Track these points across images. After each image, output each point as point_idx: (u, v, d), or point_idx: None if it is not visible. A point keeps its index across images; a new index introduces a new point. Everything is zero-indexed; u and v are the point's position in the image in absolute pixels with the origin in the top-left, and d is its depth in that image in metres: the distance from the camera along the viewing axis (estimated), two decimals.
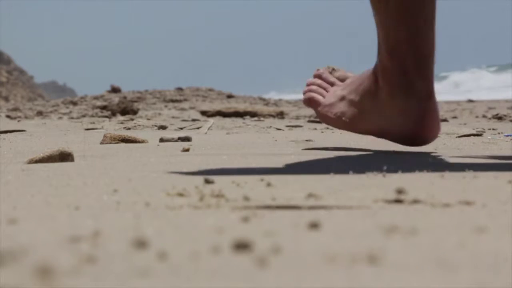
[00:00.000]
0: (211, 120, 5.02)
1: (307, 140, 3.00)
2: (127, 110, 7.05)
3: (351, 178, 1.66)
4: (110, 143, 3.05)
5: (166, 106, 10.15)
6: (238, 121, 5.86)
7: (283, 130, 3.99)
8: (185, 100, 11.56)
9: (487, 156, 2.29)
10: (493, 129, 4.25)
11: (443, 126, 4.29)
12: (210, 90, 13.07)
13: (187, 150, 2.59)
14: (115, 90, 12.48)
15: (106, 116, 6.78)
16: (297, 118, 6.54)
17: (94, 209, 1.30)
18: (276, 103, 12.11)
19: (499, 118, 5.88)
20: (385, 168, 1.88)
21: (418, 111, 1.98)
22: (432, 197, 1.38)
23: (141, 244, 0.94)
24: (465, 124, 5.24)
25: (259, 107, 7.50)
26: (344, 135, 3.57)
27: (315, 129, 4.16)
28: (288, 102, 12.95)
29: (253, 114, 6.95)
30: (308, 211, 1.25)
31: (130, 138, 3.09)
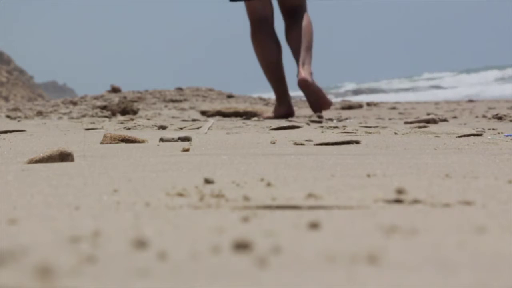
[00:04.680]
0: (211, 120, 5.01)
1: (307, 140, 3.00)
2: (127, 110, 7.05)
3: (351, 178, 1.66)
4: (110, 143, 3.05)
5: (166, 106, 10.15)
6: (238, 121, 5.85)
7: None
8: (185, 100, 11.55)
9: (487, 156, 2.30)
10: (493, 129, 4.25)
11: (443, 126, 4.28)
12: (210, 90, 13.06)
13: (187, 150, 2.59)
14: (115, 90, 12.47)
15: (106, 116, 6.78)
16: (297, 117, 6.54)
17: (94, 209, 1.30)
18: None
19: (499, 118, 5.88)
20: (385, 168, 1.88)
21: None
22: (432, 197, 1.38)
23: (141, 244, 0.94)
24: (465, 124, 5.23)
25: (259, 107, 7.50)
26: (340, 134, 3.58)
27: (315, 129, 4.16)
28: None
29: (253, 114, 6.94)
30: (308, 211, 1.25)
31: (130, 138, 3.09)
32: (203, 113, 7.26)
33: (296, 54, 6.11)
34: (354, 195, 1.41)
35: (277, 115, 6.41)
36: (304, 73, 6.02)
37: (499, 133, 3.71)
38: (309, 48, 6.15)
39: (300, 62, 6.06)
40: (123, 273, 0.81)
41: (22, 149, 2.86)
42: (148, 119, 6.02)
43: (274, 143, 3.00)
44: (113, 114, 7.14)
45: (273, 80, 6.31)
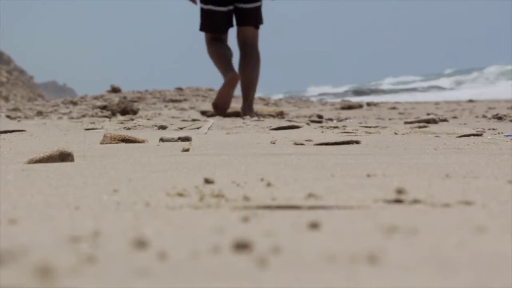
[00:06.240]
0: (211, 120, 5.02)
1: (307, 140, 3.00)
2: (127, 110, 7.05)
3: (351, 178, 1.66)
4: (110, 143, 3.05)
5: (166, 106, 10.15)
6: (238, 121, 5.86)
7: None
8: (185, 100, 11.55)
9: (487, 156, 2.30)
10: (493, 129, 4.25)
11: (443, 126, 4.28)
12: (210, 90, 13.07)
13: (187, 150, 2.59)
14: (115, 90, 12.48)
15: (106, 116, 6.78)
16: (297, 117, 6.54)
17: (94, 209, 1.30)
18: (276, 103, 12.10)
19: (499, 118, 5.88)
20: (385, 168, 1.89)
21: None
22: (432, 197, 1.38)
23: (141, 244, 0.94)
24: (465, 124, 5.23)
25: (259, 107, 7.51)
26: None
27: (315, 129, 4.16)
28: (288, 102, 12.95)
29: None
30: (308, 211, 1.25)
31: (130, 138, 3.09)
32: (203, 113, 7.27)
33: (243, 89, 7.47)
34: (354, 195, 1.41)
35: (226, 84, 7.26)
36: (247, 112, 7.27)
37: (499, 133, 3.72)
38: (255, 85, 7.60)
39: (245, 99, 7.44)
40: (123, 273, 0.81)
41: (22, 149, 2.86)
42: (148, 119, 6.02)
43: (274, 143, 3.00)
44: (113, 114, 7.14)
45: (222, 62, 7.32)
